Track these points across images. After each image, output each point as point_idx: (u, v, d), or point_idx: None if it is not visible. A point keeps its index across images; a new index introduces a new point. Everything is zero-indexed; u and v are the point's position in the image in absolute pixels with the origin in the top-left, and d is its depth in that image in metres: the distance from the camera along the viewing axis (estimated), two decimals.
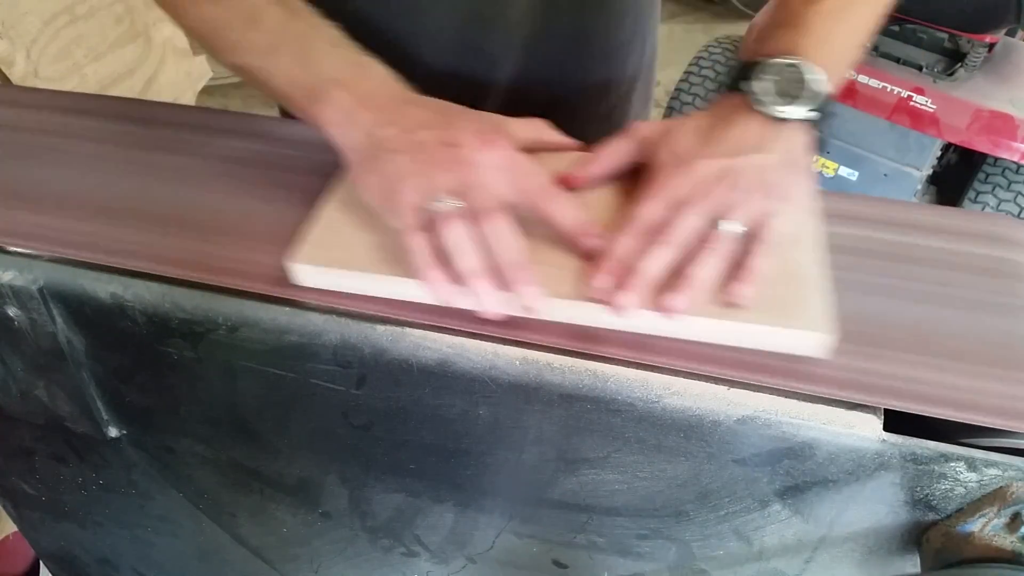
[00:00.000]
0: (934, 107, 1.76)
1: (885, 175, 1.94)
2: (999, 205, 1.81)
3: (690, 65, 2.10)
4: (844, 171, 2.00)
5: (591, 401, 0.44)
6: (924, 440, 0.40)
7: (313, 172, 0.53)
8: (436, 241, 0.43)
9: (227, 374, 0.50)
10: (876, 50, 1.85)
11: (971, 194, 1.84)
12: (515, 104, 0.49)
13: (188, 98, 1.99)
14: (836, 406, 0.41)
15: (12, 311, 0.50)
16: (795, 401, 0.41)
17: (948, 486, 0.42)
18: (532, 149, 0.47)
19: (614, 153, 0.48)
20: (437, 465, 0.51)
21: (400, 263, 0.44)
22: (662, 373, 0.42)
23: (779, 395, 0.42)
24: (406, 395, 0.47)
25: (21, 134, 0.59)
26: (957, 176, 1.98)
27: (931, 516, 0.43)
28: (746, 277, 0.42)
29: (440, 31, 0.61)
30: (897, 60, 1.83)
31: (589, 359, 0.43)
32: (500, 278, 0.42)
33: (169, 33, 1.87)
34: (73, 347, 0.52)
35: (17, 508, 0.74)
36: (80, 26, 1.59)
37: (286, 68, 0.46)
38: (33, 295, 0.49)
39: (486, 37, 0.62)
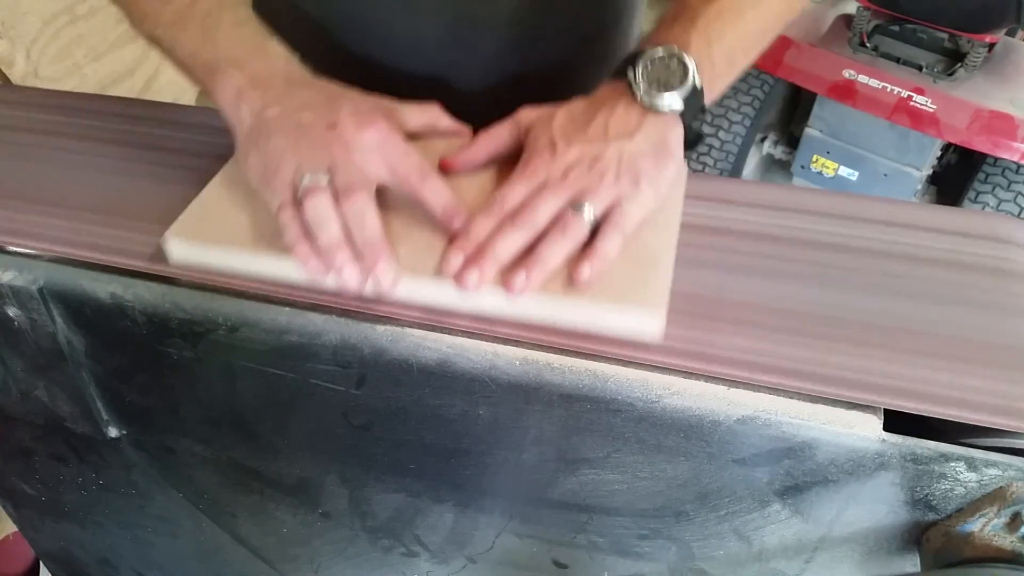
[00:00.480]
0: (934, 107, 1.76)
1: (885, 175, 1.94)
2: (999, 205, 1.81)
3: None
4: (844, 171, 2.00)
5: (591, 401, 0.44)
6: (924, 440, 0.40)
7: None
8: (304, 217, 0.43)
9: (227, 374, 0.50)
10: (876, 50, 1.85)
11: (971, 194, 1.84)
12: (506, 103, 0.50)
13: (188, 98, 1.99)
14: (836, 406, 0.41)
15: (12, 311, 0.50)
16: (795, 401, 0.41)
17: (948, 486, 0.42)
18: (423, 135, 0.49)
19: (494, 138, 0.49)
20: (437, 465, 0.51)
21: (277, 242, 0.44)
22: (662, 373, 0.42)
23: (779, 395, 0.42)
24: (406, 395, 0.47)
25: (21, 134, 0.59)
26: (957, 176, 1.98)
27: (931, 516, 0.43)
28: (590, 258, 0.43)
29: (430, 30, 0.61)
30: (897, 60, 1.83)
31: (589, 359, 0.43)
32: (358, 255, 0.43)
33: None
34: (73, 347, 0.52)
35: (17, 508, 0.74)
36: (80, 26, 1.59)
37: (189, 43, 0.47)
38: (33, 295, 0.49)
39: (479, 36, 0.62)
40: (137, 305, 0.48)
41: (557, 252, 0.43)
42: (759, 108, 2.00)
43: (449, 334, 0.44)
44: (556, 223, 0.43)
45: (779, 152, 2.19)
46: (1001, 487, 0.41)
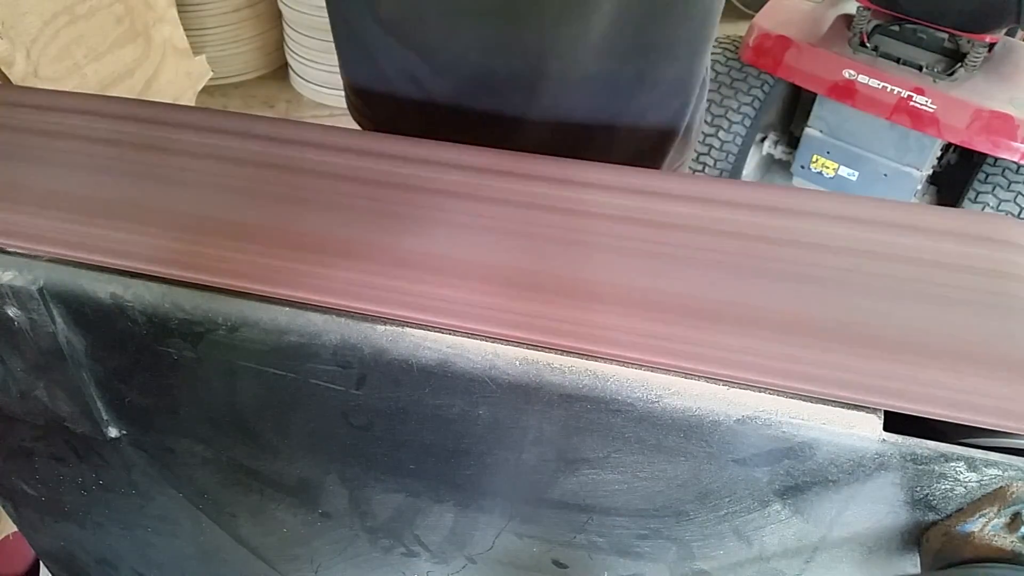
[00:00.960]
0: (934, 107, 1.76)
1: (885, 175, 1.95)
2: (999, 205, 1.82)
3: None
4: (844, 171, 2.00)
5: (591, 401, 0.44)
6: (924, 440, 0.40)
7: (313, 173, 0.53)
8: None
9: (227, 374, 0.50)
10: (876, 50, 1.85)
11: (971, 194, 1.85)
12: (555, 133, 0.48)
13: (188, 98, 1.99)
14: (836, 406, 0.41)
15: (12, 311, 0.50)
16: (795, 401, 0.41)
17: (948, 486, 0.42)
18: None
19: None
20: (437, 465, 0.51)
21: None
22: (662, 373, 0.42)
23: (779, 395, 0.42)
24: (406, 395, 0.47)
25: (21, 134, 0.59)
26: (957, 176, 1.98)
27: (931, 516, 0.43)
28: None
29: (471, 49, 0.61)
30: (897, 60, 1.83)
31: (589, 359, 0.43)
32: None
33: (169, 33, 1.87)
34: (73, 347, 0.52)
35: (17, 508, 0.74)
36: (80, 26, 1.59)
37: None
38: (33, 295, 0.49)
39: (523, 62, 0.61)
40: (137, 305, 0.48)
41: None
42: (759, 108, 2.00)
43: (449, 334, 0.44)
44: None
45: (779, 152, 2.19)
46: (1001, 487, 0.41)
